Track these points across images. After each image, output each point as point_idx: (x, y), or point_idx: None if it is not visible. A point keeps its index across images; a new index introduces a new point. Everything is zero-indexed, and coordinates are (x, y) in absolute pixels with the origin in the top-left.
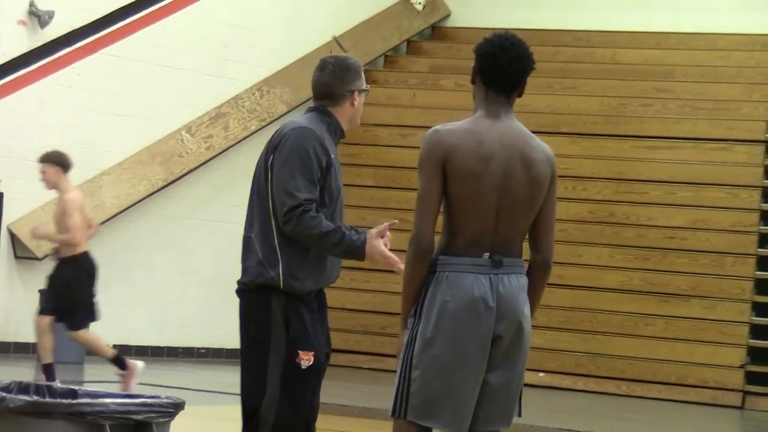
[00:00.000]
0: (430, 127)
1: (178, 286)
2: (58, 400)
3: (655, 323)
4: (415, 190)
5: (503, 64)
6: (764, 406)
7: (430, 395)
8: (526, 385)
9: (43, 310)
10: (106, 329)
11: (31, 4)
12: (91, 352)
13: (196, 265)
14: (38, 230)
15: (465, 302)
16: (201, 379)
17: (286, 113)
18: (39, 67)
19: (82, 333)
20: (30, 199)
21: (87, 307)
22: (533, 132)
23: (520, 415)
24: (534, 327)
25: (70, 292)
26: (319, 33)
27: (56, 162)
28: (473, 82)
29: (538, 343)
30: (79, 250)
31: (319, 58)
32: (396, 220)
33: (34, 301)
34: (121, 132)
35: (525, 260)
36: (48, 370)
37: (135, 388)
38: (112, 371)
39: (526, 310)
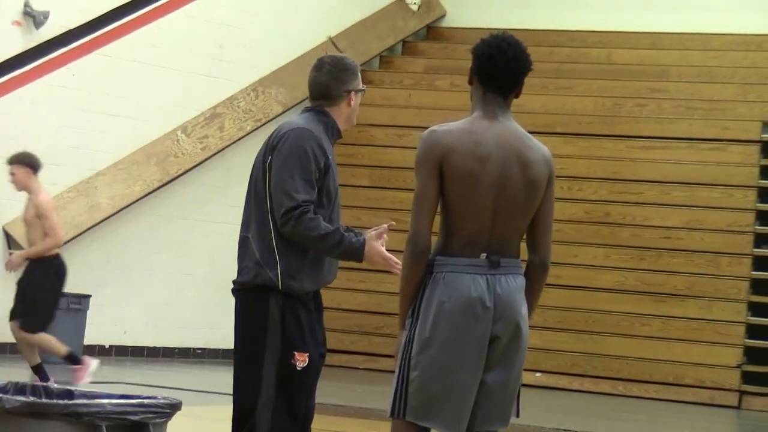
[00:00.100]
0: (425, 128)
1: (173, 286)
2: (55, 401)
3: (651, 323)
4: (411, 190)
5: (500, 65)
6: (761, 406)
7: (429, 396)
8: (523, 385)
9: (11, 315)
10: (102, 330)
11: (26, 5)
12: (43, 353)
13: (192, 265)
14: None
15: (462, 303)
16: (197, 379)
17: (281, 113)
18: (34, 67)
19: (32, 336)
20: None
21: (46, 310)
22: (528, 132)
23: (518, 415)
24: (530, 327)
25: (33, 292)
26: (314, 33)
27: (26, 163)
28: (470, 82)
29: (535, 343)
30: (52, 252)
31: (314, 58)
32: (393, 222)
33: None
34: (116, 132)
35: (523, 261)
36: (38, 371)
37: (88, 384)
38: (108, 371)
39: (524, 310)
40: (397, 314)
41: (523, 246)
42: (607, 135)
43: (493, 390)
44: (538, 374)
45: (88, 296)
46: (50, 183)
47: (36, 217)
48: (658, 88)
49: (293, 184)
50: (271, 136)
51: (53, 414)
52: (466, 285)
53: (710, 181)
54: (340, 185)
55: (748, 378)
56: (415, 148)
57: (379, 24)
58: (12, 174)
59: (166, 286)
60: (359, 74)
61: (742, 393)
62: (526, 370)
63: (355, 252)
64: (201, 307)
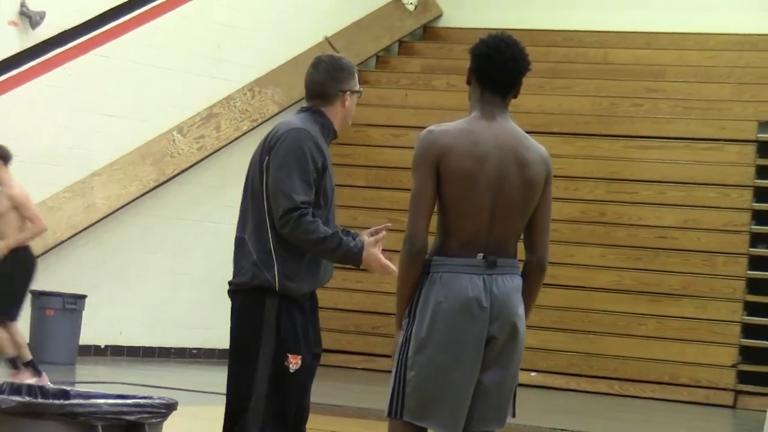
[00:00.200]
0: (422, 128)
1: (169, 286)
2: (51, 401)
3: (647, 323)
4: (408, 190)
5: (499, 65)
6: (756, 406)
7: (426, 396)
8: (519, 385)
9: None
10: (98, 330)
11: (22, 5)
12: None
13: (188, 265)
14: None
15: (459, 303)
16: (193, 379)
17: (277, 113)
18: (30, 67)
19: None
20: None
21: (6, 303)
22: (525, 132)
23: (514, 415)
24: (526, 327)
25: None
26: (310, 33)
27: None
28: (469, 82)
29: (531, 343)
30: (22, 245)
31: (311, 58)
32: (390, 224)
33: (25, 302)
34: (112, 132)
35: (520, 261)
36: (29, 366)
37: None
38: (104, 372)
39: (520, 310)
40: (393, 314)
41: (521, 246)
42: (604, 135)
43: (489, 390)
44: (534, 374)
45: (83, 296)
46: (46, 183)
47: (10, 209)
48: (654, 87)
49: (292, 185)
50: (267, 136)
51: (49, 414)
52: (463, 285)
53: (706, 180)
54: (336, 185)
55: (743, 377)
56: (412, 148)
57: (376, 24)
58: None
59: (162, 286)
60: (356, 75)
61: (738, 392)
62: (522, 369)
63: (353, 257)
64: (197, 307)
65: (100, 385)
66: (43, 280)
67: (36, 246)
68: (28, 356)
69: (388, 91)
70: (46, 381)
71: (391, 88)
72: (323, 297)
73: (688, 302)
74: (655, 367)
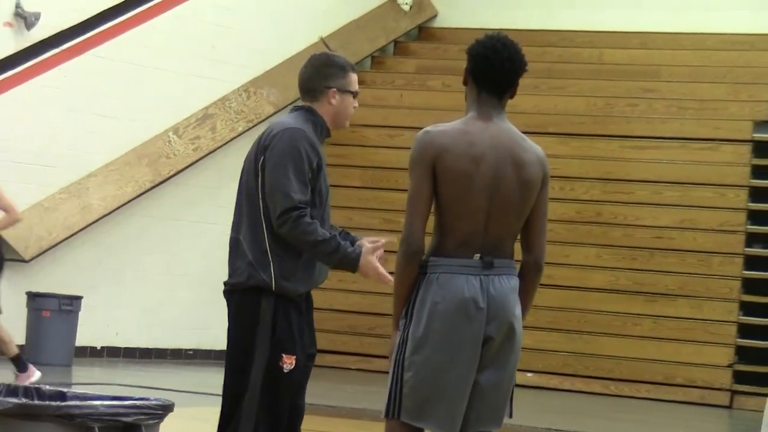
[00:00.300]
0: (417, 128)
1: (166, 287)
2: (47, 403)
3: (642, 323)
4: (403, 191)
5: (495, 66)
6: (752, 406)
7: (423, 396)
8: (516, 385)
9: None
10: (94, 331)
11: (18, 6)
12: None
13: (184, 266)
14: None
15: (455, 303)
16: (189, 380)
17: (273, 114)
18: (25, 68)
19: None
20: (17, 201)
21: None
22: (521, 133)
23: (511, 416)
24: (522, 327)
25: None
26: (306, 34)
27: None
28: (465, 83)
29: (526, 343)
30: None
31: (306, 59)
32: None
33: (20, 303)
34: (108, 133)
35: (517, 261)
36: (16, 362)
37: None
38: (100, 373)
39: (517, 311)
40: (389, 315)
41: (517, 246)
42: (599, 135)
43: (486, 390)
44: (529, 374)
45: (80, 297)
46: (42, 184)
47: None
48: (649, 87)
49: (289, 185)
50: (261, 136)
51: (45, 416)
52: (460, 286)
53: (702, 180)
54: (331, 185)
55: (739, 377)
56: (408, 148)
57: (371, 24)
58: None
59: (158, 287)
60: (349, 74)
61: (734, 392)
62: (517, 370)
63: (351, 263)
64: (193, 308)
65: (96, 386)
66: (39, 281)
67: (32, 247)
68: (14, 351)
69: (384, 92)
70: (34, 375)
71: (386, 88)
72: (319, 298)
73: (683, 302)
74: (651, 367)
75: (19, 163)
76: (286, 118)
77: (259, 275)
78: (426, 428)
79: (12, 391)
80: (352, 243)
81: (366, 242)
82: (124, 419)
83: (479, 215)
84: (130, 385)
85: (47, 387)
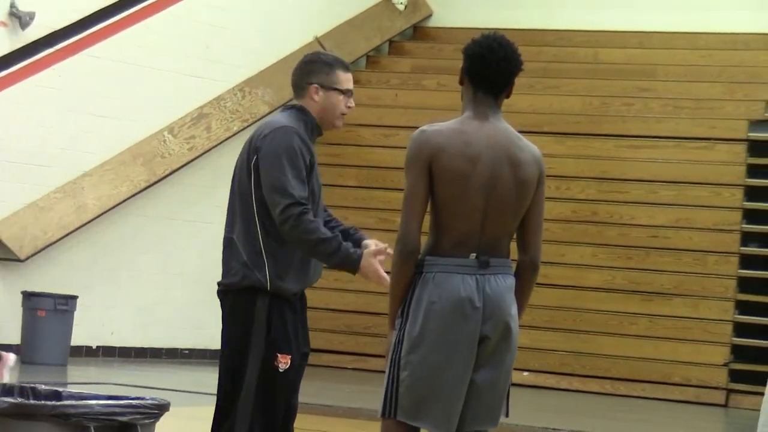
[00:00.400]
0: (412, 128)
1: (161, 287)
2: (43, 402)
3: (638, 322)
4: (399, 190)
5: (492, 65)
6: (748, 404)
7: (419, 396)
8: (511, 384)
9: None
10: (90, 331)
11: (12, 5)
12: None
13: (180, 265)
14: None
15: (451, 303)
16: (185, 380)
17: (267, 113)
18: (20, 68)
19: None
20: (13, 201)
21: None
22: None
23: (507, 415)
24: (518, 326)
25: None
26: (301, 33)
27: None
28: (461, 82)
29: (523, 343)
30: None
31: (300, 58)
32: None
33: (16, 303)
34: (102, 133)
35: (513, 260)
36: None
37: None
38: (96, 373)
39: (513, 310)
40: (385, 314)
41: (513, 246)
42: (595, 134)
43: (482, 389)
44: (526, 373)
45: (75, 297)
46: (37, 184)
47: None
48: (645, 87)
49: (287, 182)
50: (253, 136)
51: (41, 415)
52: (456, 285)
53: (697, 179)
54: (327, 185)
55: (735, 376)
56: (403, 147)
57: (366, 24)
58: None
59: (154, 287)
60: (337, 72)
61: (730, 391)
62: (513, 369)
63: (351, 264)
64: (189, 308)
65: (92, 386)
66: (34, 281)
67: (27, 247)
68: None
69: (379, 91)
70: (9, 362)
71: (381, 88)
72: (315, 297)
73: (679, 301)
74: (647, 367)
75: (14, 162)
76: (278, 117)
77: (253, 275)
78: (422, 427)
79: (7, 390)
80: (359, 241)
81: (372, 244)
82: (120, 419)
83: (475, 215)
84: (126, 385)
85: (43, 386)
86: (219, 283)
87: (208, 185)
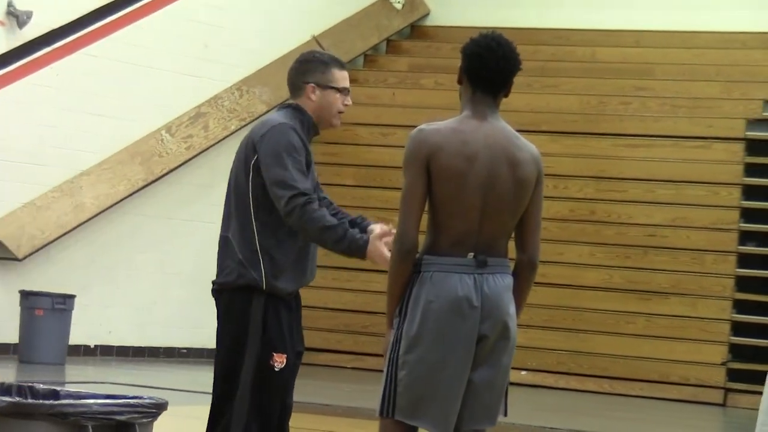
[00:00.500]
0: (410, 126)
1: (159, 286)
2: (41, 401)
3: (636, 321)
4: (397, 189)
5: (490, 65)
6: (746, 403)
7: (416, 395)
8: (510, 383)
9: None
10: (87, 330)
11: (9, 4)
12: None
13: (178, 264)
14: None
15: (449, 302)
16: (183, 378)
17: (265, 112)
18: (17, 67)
19: None
20: (9, 200)
21: None
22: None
23: (505, 414)
24: (516, 325)
25: None
26: (298, 32)
27: None
28: (460, 82)
29: (520, 342)
30: None
31: None
32: (392, 225)
33: (14, 302)
34: (100, 132)
35: (511, 259)
36: None
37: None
38: (94, 372)
39: (511, 309)
40: (383, 313)
41: (511, 245)
42: (592, 133)
43: (480, 389)
44: (523, 372)
45: (73, 296)
46: (35, 183)
47: None
48: (642, 86)
49: (290, 175)
50: (250, 135)
51: (39, 414)
52: (454, 284)
53: (695, 178)
54: (324, 184)
55: (733, 375)
56: (401, 146)
57: (363, 23)
58: None
59: (152, 286)
60: (333, 70)
61: (728, 390)
62: (512, 368)
63: (359, 249)
64: (186, 307)
65: (90, 385)
66: (32, 280)
67: (25, 246)
68: None
69: (376, 90)
70: None
71: (378, 87)
72: (313, 296)
73: (677, 300)
74: (645, 366)
75: (12, 162)
76: (274, 116)
77: (249, 274)
78: (420, 427)
79: (5, 389)
80: (365, 228)
81: (377, 227)
82: (118, 418)
83: (473, 214)
84: (124, 384)
85: (41, 385)
86: (214, 282)
87: (206, 184)
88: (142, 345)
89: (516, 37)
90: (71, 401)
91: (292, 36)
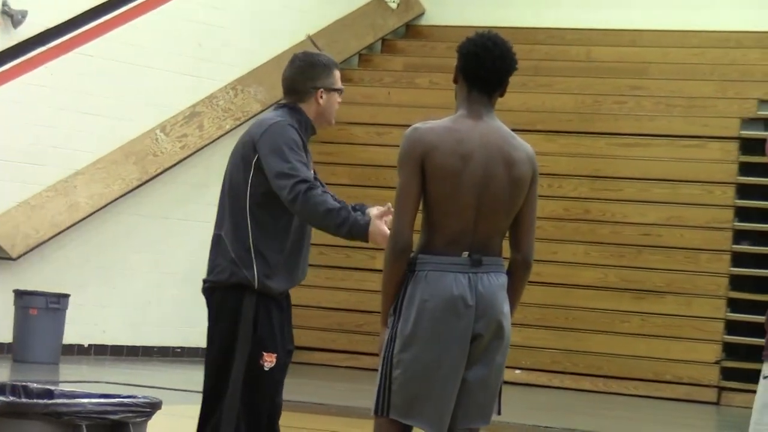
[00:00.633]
0: (405, 126)
1: (153, 285)
2: (35, 401)
3: (630, 320)
4: (392, 188)
5: (486, 64)
6: (740, 402)
7: (411, 394)
8: (504, 382)
9: None
10: (82, 329)
11: (4, 4)
12: None
13: (172, 264)
14: None
15: (444, 301)
16: (177, 378)
17: (260, 112)
18: (12, 67)
19: None
20: (4, 199)
21: None
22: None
23: (500, 413)
24: (510, 324)
25: None
26: (293, 32)
27: None
28: (455, 81)
29: (515, 341)
30: None
31: None
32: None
33: (8, 301)
34: (95, 132)
35: (505, 258)
36: None
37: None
38: (88, 371)
39: (506, 308)
40: (377, 312)
41: (506, 244)
42: (587, 132)
43: (474, 387)
44: (518, 371)
45: (67, 296)
46: (29, 182)
47: None
48: (637, 85)
49: (291, 166)
50: (248, 134)
51: (33, 414)
52: (448, 283)
53: (690, 178)
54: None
55: (727, 374)
56: (396, 146)
57: (358, 22)
58: None
59: (146, 285)
60: (334, 72)
61: (722, 389)
62: (505, 367)
63: (361, 230)
64: (181, 306)
65: (84, 384)
66: (26, 279)
67: (19, 245)
68: None
69: (371, 89)
70: None
71: (374, 86)
72: (307, 295)
73: (671, 299)
74: (639, 364)
75: (6, 161)
76: (271, 114)
77: (241, 273)
78: (415, 425)
79: None
80: (364, 212)
81: (374, 209)
82: (112, 417)
83: (468, 213)
84: (118, 383)
85: (35, 385)
86: (205, 281)
87: (201, 184)
88: (137, 344)
89: (511, 36)
90: (65, 401)
91: (287, 35)
